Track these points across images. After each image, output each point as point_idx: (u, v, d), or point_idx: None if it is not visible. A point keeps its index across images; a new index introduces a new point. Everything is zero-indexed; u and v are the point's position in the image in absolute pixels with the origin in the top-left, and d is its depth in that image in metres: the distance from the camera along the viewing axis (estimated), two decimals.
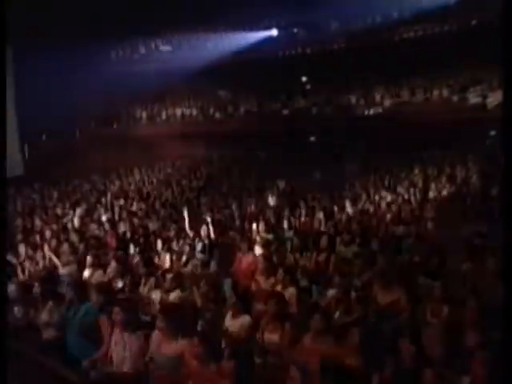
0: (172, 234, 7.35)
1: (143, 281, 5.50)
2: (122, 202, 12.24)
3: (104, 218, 9.84)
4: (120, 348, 3.90)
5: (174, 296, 4.98)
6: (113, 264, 5.85)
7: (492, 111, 15.13)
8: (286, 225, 8.06)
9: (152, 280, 5.28)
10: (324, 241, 6.23)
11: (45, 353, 4.30)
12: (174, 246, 6.77)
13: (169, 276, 5.27)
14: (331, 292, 4.99)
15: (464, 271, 5.29)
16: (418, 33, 19.77)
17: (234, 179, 15.86)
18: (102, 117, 25.40)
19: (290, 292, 4.99)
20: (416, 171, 14.03)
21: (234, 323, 4.42)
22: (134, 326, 3.98)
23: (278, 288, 5.08)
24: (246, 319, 4.44)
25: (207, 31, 24.46)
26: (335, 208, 9.50)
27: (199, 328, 4.36)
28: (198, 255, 6.55)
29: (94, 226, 9.04)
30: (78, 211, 10.87)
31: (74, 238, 7.89)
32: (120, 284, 5.55)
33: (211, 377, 3.33)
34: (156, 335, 3.89)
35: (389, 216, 8.82)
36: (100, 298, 4.49)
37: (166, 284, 5.10)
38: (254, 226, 7.79)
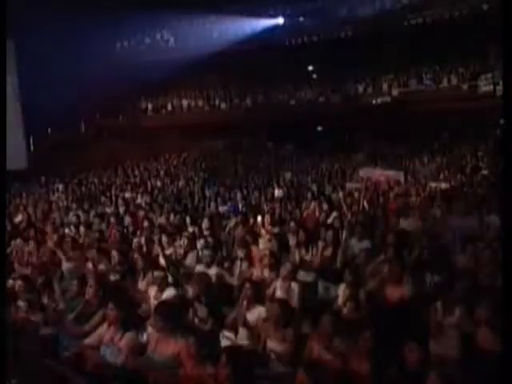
0: (175, 227, 7.20)
1: (141, 276, 5.38)
2: (127, 194, 12.17)
3: (108, 211, 9.75)
4: (113, 347, 3.77)
5: (168, 293, 4.84)
6: (114, 255, 5.77)
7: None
8: (291, 217, 7.87)
9: (150, 275, 5.14)
10: (330, 234, 6.04)
11: (42, 349, 4.21)
12: (176, 240, 6.61)
13: (158, 273, 5.08)
14: (340, 287, 4.83)
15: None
16: (426, 19, 19.37)
17: (239, 170, 15.72)
18: (108, 109, 25.30)
19: (295, 287, 4.84)
20: (425, 160, 13.80)
21: (250, 315, 4.31)
22: (128, 324, 3.85)
23: (280, 282, 4.93)
24: (261, 310, 4.31)
25: (212, 21, 24.19)
26: (342, 199, 9.29)
27: (195, 326, 4.21)
28: (200, 252, 6.39)
29: (98, 220, 8.93)
30: (84, 204, 10.83)
31: (79, 231, 7.79)
32: (114, 277, 5.45)
33: (207, 379, 3.20)
34: (152, 334, 3.76)
35: (396, 207, 8.62)
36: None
37: (158, 280, 4.96)
38: (259, 218, 7.61)
